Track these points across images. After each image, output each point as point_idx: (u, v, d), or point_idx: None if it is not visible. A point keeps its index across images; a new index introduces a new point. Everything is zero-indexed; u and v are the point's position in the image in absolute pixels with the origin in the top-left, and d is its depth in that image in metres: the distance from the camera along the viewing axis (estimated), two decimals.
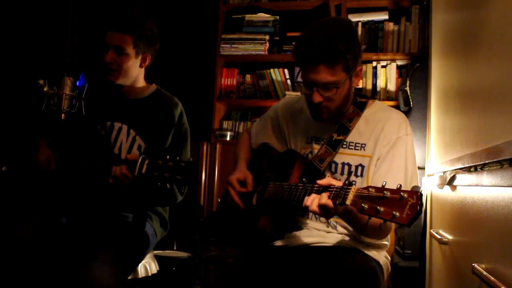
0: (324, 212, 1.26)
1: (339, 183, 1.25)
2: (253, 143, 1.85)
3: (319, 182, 1.29)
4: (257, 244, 1.60)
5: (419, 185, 1.57)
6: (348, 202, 1.17)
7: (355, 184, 1.21)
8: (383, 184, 1.12)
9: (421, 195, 1.07)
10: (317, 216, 1.59)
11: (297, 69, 3.52)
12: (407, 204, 1.06)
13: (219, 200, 1.90)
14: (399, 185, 1.10)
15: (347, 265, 1.44)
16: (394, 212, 1.07)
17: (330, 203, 1.23)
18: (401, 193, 1.07)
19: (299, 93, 3.43)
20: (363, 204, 1.12)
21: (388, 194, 1.09)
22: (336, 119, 1.60)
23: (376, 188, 1.13)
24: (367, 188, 1.14)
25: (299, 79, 1.55)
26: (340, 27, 1.48)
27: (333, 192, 1.24)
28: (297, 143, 1.69)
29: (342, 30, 1.47)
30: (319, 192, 1.29)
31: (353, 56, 1.46)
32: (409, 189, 1.47)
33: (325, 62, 1.43)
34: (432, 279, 2.13)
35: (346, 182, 1.20)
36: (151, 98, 2.02)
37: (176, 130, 1.96)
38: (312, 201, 1.27)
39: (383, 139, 1.54)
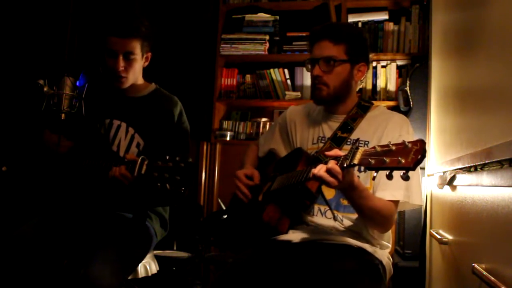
0: (332, 177, 1.28)
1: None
2: (261, 151, 1.90)
3: (327, 152, 1.34)
4: (260, 238, 1.60)
5: (420, 184, 1.59)
6: (356, 161, 1.21)
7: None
8: (389, 142, 1.16)
9: (425, 142, 1.11)
10: (323, 212, 1.60)
11: (297, 69, 3.52)
12: (411, 151, 1.10)
13: (220, 202, 1.91)
14: (403, 140, 1.14)
15: (350, 262, 1.45)
16: (399, 159, 1.11)
17: (337, 167, 1.27)
18: (406, 143, 1.12)
19: (299, 93, 3.43)
20: (370, 160, 1.16)
21: (393, 147, 1.14)
22: (339, 117, 1.69)
23: (382, 145, 1.17)
24: (373, 147, 1.19)
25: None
26: (351, 25, 1.75)
27: (341, 159, 1.28)
28: (304, 143, 1.74)
29: (352, 26, 1.71)
30: (326, 162, 1.33)
31: (356, 47, 1.64)
32: (410, 183, 1.49)
33: (329, 37, 1.63)
34: (432, 279, 2.13)
35: (354, 147, 1.25)
36: (151, 97, 2.02)
37: (177, 129, 1.96)
38: (320, 168, 1.31)
39: (386, 137, 1.60)
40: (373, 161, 1.16)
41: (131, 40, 1.86)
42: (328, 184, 1.31)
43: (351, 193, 1.42)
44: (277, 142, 1.85)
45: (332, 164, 1.28)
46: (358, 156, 1.21)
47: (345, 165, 1.25)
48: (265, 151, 1.88)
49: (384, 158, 1.13)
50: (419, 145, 1.10)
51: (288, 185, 1.51)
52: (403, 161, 1.10)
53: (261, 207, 1.59)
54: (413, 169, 1.10)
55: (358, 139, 1.41)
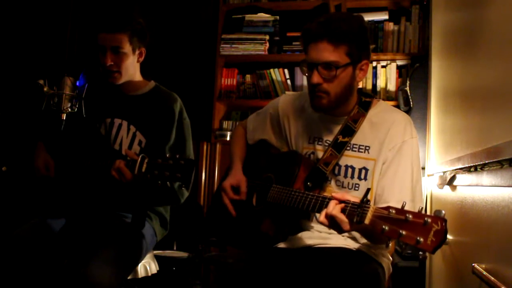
0: (336, 227, 1.23)
1: (355, 199, 1.22)
2: (250, 138, 1.82)
3: (335, 195, 1.27)
4: (259, 246, 1.59)
5: (421, 189, 1.55)
6: (367, 221, 1.14)
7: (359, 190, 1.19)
8: (403, 205, 1.09)
9: (446, 221, 1.03)
10: (318, 217, 1.59)
11: (297, 69, 3.52)
12: (431, 230, 1.02)
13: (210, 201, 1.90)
14: (421, 208, 1.07)
15: (348, 266, 1.44)
16: (418, 238, 1.02)
17: (344, 218, 1.20)
18: (425, 218, 1.03)
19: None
20: (384, 226, 1.08)
21: (410, 217, 1.05)
22: (339, 119, 1.59)
23: (397, 210, 1.09)
24: (387, 208, 1.11)
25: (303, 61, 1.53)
26: (350, 17, 1.51)
27: (349, 207, 1.21)
28: (299, 142, 1.67)
29: (351, 18, 1.49)
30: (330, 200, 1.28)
31: (358, 45, 1.47)
32: (415, 193, 1.46)
33: (328, 39, 1.44)
34: (432, 279, 2.13)
35: (364, 199, 1.17)
36: (151, 94, 2.02)
37: (178, 125, 1.96)
38: (325, 215, 1.25)
39: (389, 142, 1.51)
40: (387, 228, 1.07)
41: (117, 34, 1.86)
42: (333, 229, 1.26)
43: (361, 233, 1.41)
44: (269, 133, 1.76)
45: (337, 212, 1.21)
46: (369, 215, 1.13)
47: (354, 220, 1.18)
48: (255, 139, 1.80)
49: (400, 230, 1.05)
50: (440, 225, 1.01)
51: (288, 207, 1.46)
52: (421, 240, 1.02)
53: (257, 216, 1.57)
54: (432, 253, 1.03)
55: (368, 190, 1.28)
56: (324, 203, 1.30)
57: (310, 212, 1.36)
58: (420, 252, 1.08)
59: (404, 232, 1.05)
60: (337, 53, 1.45)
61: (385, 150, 1.51)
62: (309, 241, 1.56)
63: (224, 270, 1.53)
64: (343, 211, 1.21)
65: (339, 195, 1.26)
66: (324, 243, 1.55)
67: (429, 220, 1.03)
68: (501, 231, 1.09)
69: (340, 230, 1.24)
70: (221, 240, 2.03)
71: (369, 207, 1.15)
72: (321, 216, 1.26)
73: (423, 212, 1.06)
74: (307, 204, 1.37)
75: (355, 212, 1.17)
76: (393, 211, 1.09)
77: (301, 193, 1.42)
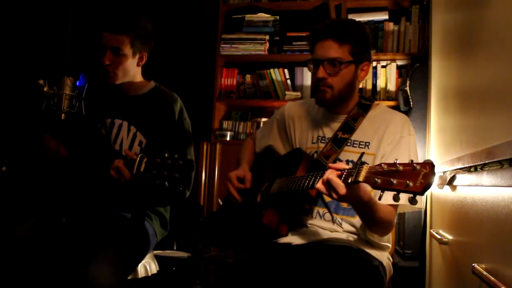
0: (333, 190, 1.26)
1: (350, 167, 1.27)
2: (257, 146, 1.88)
3: (331, 165, 1.31)
4: (260, 241, 1.60)
5: None
6: (361, 179, 1.18)
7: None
8: (395, 161, 1.13)
9: (434, 165, 1.07)
10: (321, 214, 1.60)
11: (297, 69, 3.52)
12: (420, 174, 1.07)
13: (220, 202, 1.90)
14: (411, 160, 1.11)
15: (350, 264, 1.45)
16: (407, 182, 1.07)
17: (338, 180, 1.24)
18: (414, 165, 1.08)
19: (299, 93, 3.43)
20: (376, 179, 1.13)
21: (401, 168, 1.10)
22: (340, 117, 1.66)
23: (389, 164, 1.14)
24: (379, 164, 1.16)
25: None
26: (354, 22, 1.67)
27: (345, 172, 1.25)
28: (303, 143, 1.72)
29: (355, 23, 1.65)
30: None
31: (360, 46, 1.60)
32: None
33: (334, 37, 1.57)
34: (432, 279, 2.13)
35: (359, 162, 1.22)
36: (151, 94, 2.02)
37: (179, 125, 1.96)
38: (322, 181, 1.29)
39: (387, 138, 1.58)
40: (379, 181, 1.12)
41: (119, 36, 1.87)
42: (330, 196, 1.29)
43: (358, 205, 1.41)
44: (275, 139, 1.82)
45: (333, 176, 1.26)
46: (363, 173, 1.18)
47: (349, 180, 1.22)
48: (262, 147, 1.86)
49: (391, 179, 1.10)
50: (428, 168, 1.06)
51: (289, 191, 1.49)
52: (411, 184, 1.06)
53: (260, 209, 1.58)
54: (422, 194, 1.07)
55: (363, 153, 1.33)
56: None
57: (310, 189, 1.38)
58: (410, 196, 1.10)
59: (395, 181, 1.10)
60: (342, 51, 1.57)
61: (383, 145, 1.59)
62: (310, 238, 1.57)
63: (225, 266, 1.53)
64: (339, 176, 1.26)
65: (335, 164, 1.31)
66: (326, 240, 1.55)
67: (418, 166, 1.08)
68: (501, 231, 1.09)
69: (337, 196, 1.27)
70: (221, 244, 2.04)
71: (363, 167, 1.19)
72: (319, 183, 1.30)
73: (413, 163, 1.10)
74: (307, 183, 1.41)
75: (351, 173, 1.22)
76: (385, 166, 1.14)
77: (301, 177, 1.46)
